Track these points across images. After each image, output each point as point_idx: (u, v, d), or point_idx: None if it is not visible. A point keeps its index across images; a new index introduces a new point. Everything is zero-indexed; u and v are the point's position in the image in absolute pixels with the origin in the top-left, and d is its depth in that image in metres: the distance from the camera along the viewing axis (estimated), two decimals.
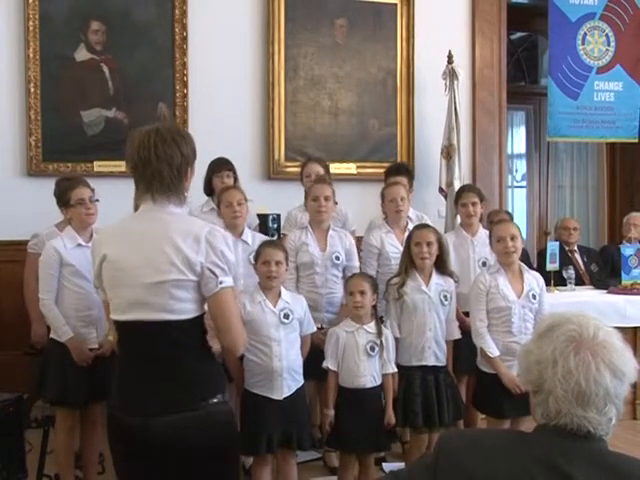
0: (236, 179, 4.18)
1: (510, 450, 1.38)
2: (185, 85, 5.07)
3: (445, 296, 3.49)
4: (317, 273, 3.72)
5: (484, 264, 3.98)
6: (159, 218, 1.99)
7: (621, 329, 1.46)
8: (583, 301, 4.52)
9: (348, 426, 3.22)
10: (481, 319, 3.45)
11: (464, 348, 3.63)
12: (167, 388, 1.95)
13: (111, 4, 4.94)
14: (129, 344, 2.03)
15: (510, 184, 7.44)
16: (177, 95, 5.06)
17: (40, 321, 3.57)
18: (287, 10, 5.30)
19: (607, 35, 5.92)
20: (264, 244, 3.27)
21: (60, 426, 3.30)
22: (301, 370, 3.19)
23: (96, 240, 2.18)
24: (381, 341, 3.28)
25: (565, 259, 5.17)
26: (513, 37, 7.39)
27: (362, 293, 3.26)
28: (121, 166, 4.62)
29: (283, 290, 3.21)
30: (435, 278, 3.49)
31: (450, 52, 5.39)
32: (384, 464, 3.73)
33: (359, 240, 4.24)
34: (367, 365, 3.25)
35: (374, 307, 3.35)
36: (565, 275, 4.93)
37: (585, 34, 5.87)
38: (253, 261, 3.27)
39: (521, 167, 7.82)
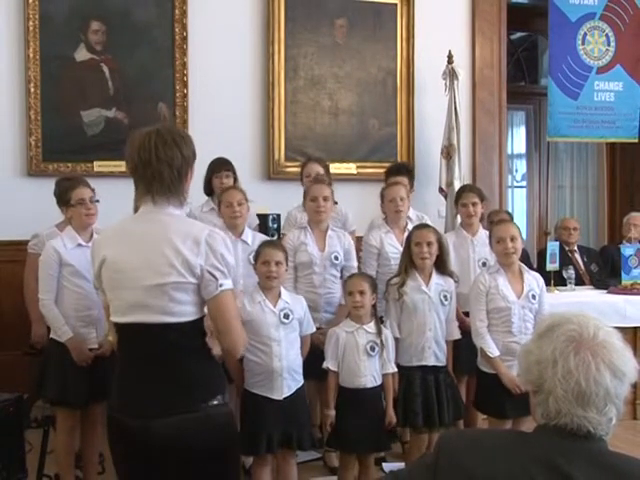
0: (236, 179, 4.18)
1: (510, 450, 1.38)
2: (185, 85, 5.07)
3: (445, 296, 3.49)
4: (315, 273, 3.72)
5: (484, 264, 3.98)
6: (159, 220, 1.99)
7: (621, 329, 1.46)
8: (583, 301, 4.52)
9: (348, 426, 3.22)
10: (481, 319, 3.45)
11: (464, 348, 3.63)
12: (167, 390, 1.95)
13: (111, 4, 4.94)
14: (129, 346, 2.03)
15: (510, 184, 7.44)
16: (177, 95, 5.06)
17: (40, 321, 3.56)
18: (287, 10, 5.30)
19: (607, 35, 5.93)
20: (264, 244, 3.27)
21: (60, 426, 3.30)
22: (301, 370, 3.19)
23: (96, 241, 2.18)
24: (381, 341, 3.28)
25: (565, 259, 5.17)
26: (513, 37, 7.39)
27: (362, 293, 3.26)
28: (121, 166, 4.61)
29: (283, 290, 3.21)
30: (435, 278, 3.49)
31: (450, 52, 5.39)
32: (384, 464, 3.73)
33: (359, 240, 4.24)
34: (367, 365, 3.24)
35: (374, 307, 3.35)
36: (565, 275, 4.93)
37: (585, 34, 5.87)
38: (253, 261, 3.27)
39: (521, 167, 7.82)
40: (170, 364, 1.96)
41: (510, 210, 6.35)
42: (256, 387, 3.09)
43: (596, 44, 5.91)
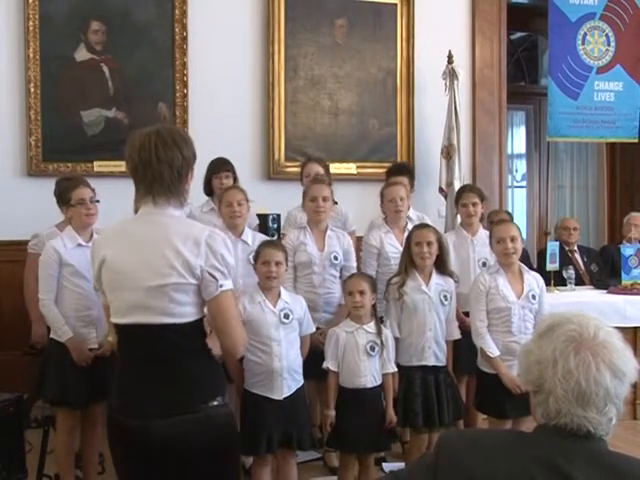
0: (235, 179, 4.18)
1: (510, 450, 1.38)
2: (185, 85, 5.07)
3: (445, 296, 3.49)
4: (315, 273, 3.72)
5: (484, 264, 3.98)
6: (159, 221, 1.99)
7: (621, 329, 1.46)
8: (583, 301, 4.52)
9: (348, 426, 3.22)
10: (481, 319, 3.45)
11: (464, 348, 3.63)
12: (167, 391, 1.95)
13: (111, 4, 4.94)
14: (129, 347, 2.03)
15: (510, 184, 7.44)
16: (177, 95, 5.06)
17: (40, 321, 3.56)
18: (287, 10, 5.30)
19: (607, 35, 5.93)
20: (264, 244, 3.27)
21: (61, 426, 3.30)
22: (301, 370, 3.19)
23: (95, 242, 2.17)
24: (381, 340, 3.28)
25: (565, 259, 5.17)
26: (513, 37, 7.39)
27: (361, 293, 3.26)
28: (121, 166, 4.60)
29: (282, 290, 3.21)
30: (435, 278, 3.49)
31: (450, 52, 5.39)
32: (384, 464, 3.73)
33: (359, 240, 4.24)
34: (367, 365, 3.24)
35: (373, 307, 3.35)
36: (565, 275, 4.93)
37: (585, 34, 5.88)
38: (253, 261, 3.27)
39: (521, 167, 7.83)
40: (170, 365, 1.96)
41: (510, 210, 6.35)
42: (256, 387, 3.09)
43: (596, 44, 5.91)
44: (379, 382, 3.28)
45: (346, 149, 5.49)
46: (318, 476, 3.70)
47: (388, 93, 5.60)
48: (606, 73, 5.93)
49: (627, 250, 5.00)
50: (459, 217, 4.43)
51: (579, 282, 5.12)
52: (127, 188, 2.14)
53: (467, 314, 3.65)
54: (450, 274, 3.57)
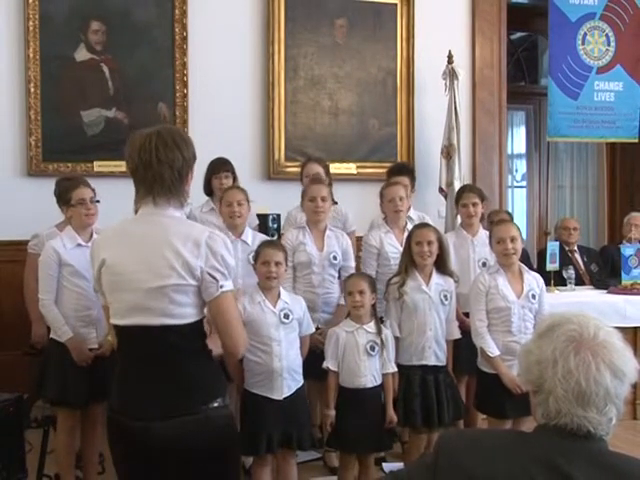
0: (235, 179, 4.18)
1: (510, 450, 1.38)
2: (185, 85, 5.07)
3: (445, 296, 3.49)
4: (314, 273, 3.72)
5: (484, 264, 3.98)
6: (159, 222, 1.98)
7: (621, 329, 1.46)
8: (583, 301, 4.52)
9: (348, 426, 3.22)
10: (481, 319, 3.45)
11: (464, 348, 3.63)
12: (167, 392, 1.95)
13: (111, 4, 4.94)
14: (129, 348, 2.02)
15: (510, 184, 7.44)
16: (177, 95, 5.06)
17: (40, 321, 3.56)
18: (287, 10, 5.30)
19: (607, 35, 5.92)
20: (264, 244, 3.27)
21: (61, 426, 3.30)
22: (301, 370, 3.19)
23: (95, 242, 2.17)
24: (381, 340, 3.28)
25: (565, 259, 5.17)
26: (513, 37, 7.39)
27: (361, 293, 3.26)
28: (121, 166, 4.60)
29: (282, 290, 3.21)
30: (435, 278, 3.49)
31: (450, 52, 5.39)
32: (384, 464, 3.73)
33: (359, 240, 4.23)
34: (367, 365, 3.24)
35: (373, 306, 3.35)
36: (565, 275, 4.93)
37: (585, 34, 5.87)
38: (252, 261, 3.27)
39: (521, 167, 7.83)
40: (170, 366, 1.96)
41: (510, 210, 6.35)
42: (256, 387, 3.09)
43: (596, 44, 5.91)
44: (379, 382, 3.28)
45: (346, 149, 5.49)
46: (318, 476, 3.70)
47: (388, 93, 5.60)
48: (606, 73, 5.93)
49: (627, 250, 5.00)
50: (459, 217, 4.43)
51: (579, 282, 5.12)
52: (127, 188, 2.14)
53: (467, 314, 3.65)
54: (450, 274, 3.57)
